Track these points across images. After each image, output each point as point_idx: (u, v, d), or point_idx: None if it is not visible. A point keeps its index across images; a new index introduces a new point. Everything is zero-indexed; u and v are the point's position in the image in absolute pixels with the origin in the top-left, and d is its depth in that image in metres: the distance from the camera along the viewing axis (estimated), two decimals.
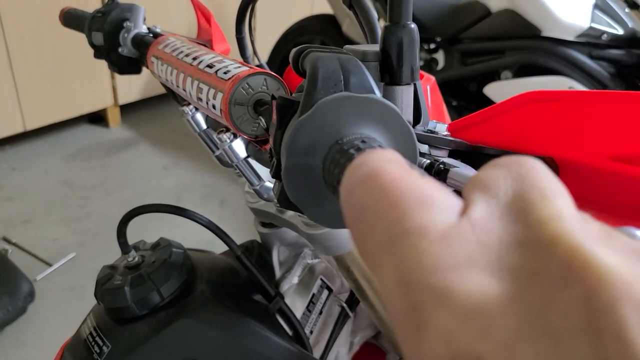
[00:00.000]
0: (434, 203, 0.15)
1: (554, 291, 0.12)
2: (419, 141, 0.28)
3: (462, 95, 2.14)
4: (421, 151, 0.31)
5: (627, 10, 1.95)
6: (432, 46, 2.17)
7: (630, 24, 1.89)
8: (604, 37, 1.86)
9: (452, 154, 0.32)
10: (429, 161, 0.30)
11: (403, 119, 0.25)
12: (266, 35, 2.68)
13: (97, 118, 2.77)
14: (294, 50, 0.31)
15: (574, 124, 0.33)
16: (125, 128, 2.76)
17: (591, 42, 1.87)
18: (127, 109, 2.82)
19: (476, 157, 0.32)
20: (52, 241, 1.93)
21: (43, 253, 1.86)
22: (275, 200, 0.51)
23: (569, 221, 0.14)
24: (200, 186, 2.31)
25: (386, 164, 0.17)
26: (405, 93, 0.30)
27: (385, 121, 0.25)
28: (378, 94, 0.26)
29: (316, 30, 2.45)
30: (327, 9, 2.42)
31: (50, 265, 1.81)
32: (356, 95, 0.24)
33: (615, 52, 1.88)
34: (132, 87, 2.75)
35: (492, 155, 0.32)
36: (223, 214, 2.14)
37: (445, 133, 0.32)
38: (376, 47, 0.32)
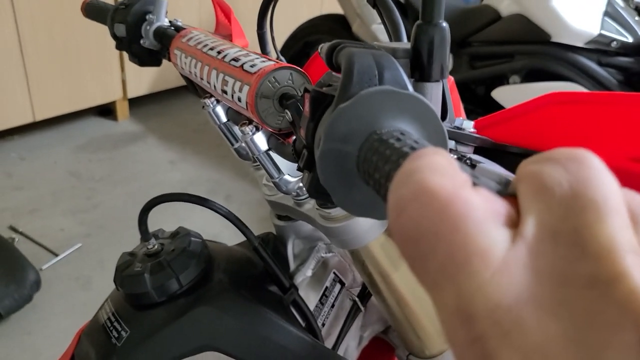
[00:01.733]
0: (492, 221, 0.16)
1: (611, 334, 0.13)
2: None
3: (470, 99, 2.15)
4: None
5: (637, 18, 1.96)
6: None
7: None
8: (614, 44, 1.87)
9: (477, 151, 0.33)
10: (455, 157, 0.31)
11: (438, 119, 0.26)
12: (276, 33, 2.69)
13: (106, 111, 2.79)
14: (326, 45, 0.32)
15: (595, 125, 0.34)
16: (133, 121, 2.78)
17: (600, 49, 1.88)
18: (135, 103, 2.83)
19: (500, 154, 0.33)
20: (58, 231, 1.95)
21: (49, 243, 1.87)
22: (296, 193, 0.52)
23: (625, 256, 0.14)
24: (206, 181, 2.32)
25: (439, 177, 0.17)
26: (434, 90, 0.31)
27: (421, 119, 0.26)
28: (411, 89, 0.27)
29: (326, 30, 2.46)
30: (337, 9, 2.42)
31: (56, 255, 1.83)
32: (398, 90, 0.25)
33: (624, 60, 1.89)
34: (142, 81, 2.76)
35: (516, 153, 0.33)
36: (229, 208, 2.14)
37: (472, 130, 0.33)
38: (405, 45, 0.33)
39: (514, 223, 0.16)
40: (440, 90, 0.31)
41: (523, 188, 0.17)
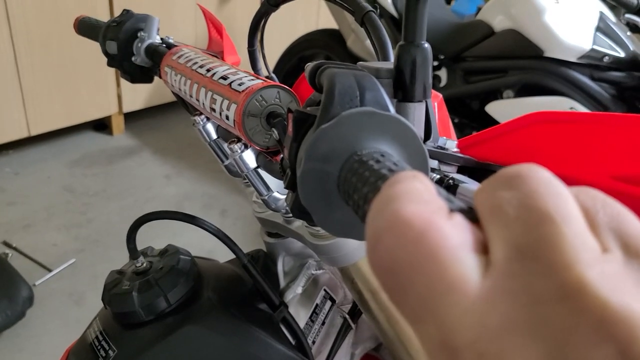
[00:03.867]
0: (466, 248, 0.16)
1: (590, 350, 0.13)
2: (429, 157, 0.29)
3: (464, 113, 2.16)
4: (431, 167, 0.33)
5: (629, 33, 1.98)
6: (435, 64, 2.19)
7: (631, 47, 1.92)
8: (606, 59, 1.88)
9: (460, 170, 0.33)
10: (438, 176, 0.31)
11: (419, 140, 0.26)
12: (271, 48, 2.70)
13: (101, 125, 2.79)
14: (310, 65, 0.32)
15: (578, 144, 0.35)
16: (128, 136, 2.78)
17: (593, 63, 1.89)
18: (131, 117, 2.84)
19: (484, 173, 0.33)
20: (52, 246, 1.93)
21: (43, 258, 1.86)
22: (285, 210, 0.52)
23: (588, 264, 0.14)
24: (201, 195, 2.32)
25: (414, 205, 0.17)
26: (417, 110, 0.31)
27: (401, 140, 0.26)
28: (392, 110, 0.27)
29: (321, 45, 2.48)
30: (333, 24, 2.44)
31: (49, 270, 1.81)
32: (379, 111, 0.25)
33: (616, 75, 1.90)
34: (137, 95, 2.77)
35: None
36: (224, 223, 2.14)
37: (455, 150, 0.34)
38: (389, 65, 0.33)
39: (486, 248, 0.16)
40: (424, 111, 0.32)
41: (481, 212, 0.17)
